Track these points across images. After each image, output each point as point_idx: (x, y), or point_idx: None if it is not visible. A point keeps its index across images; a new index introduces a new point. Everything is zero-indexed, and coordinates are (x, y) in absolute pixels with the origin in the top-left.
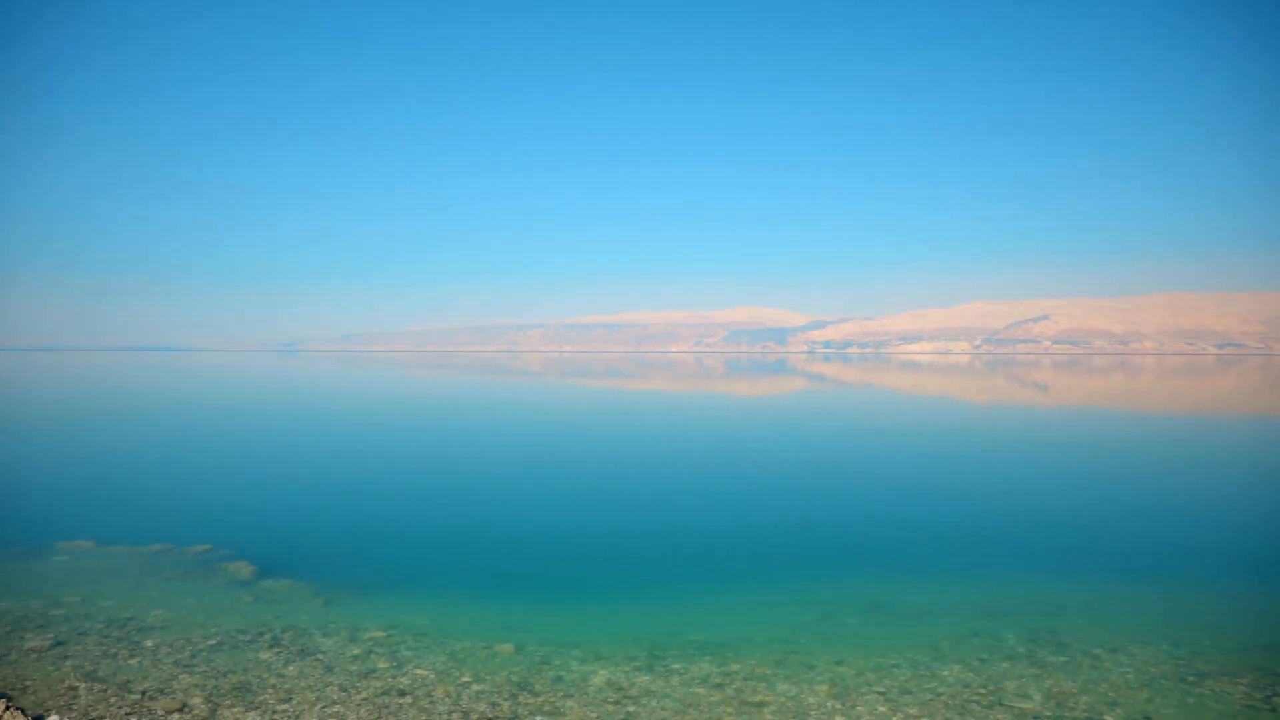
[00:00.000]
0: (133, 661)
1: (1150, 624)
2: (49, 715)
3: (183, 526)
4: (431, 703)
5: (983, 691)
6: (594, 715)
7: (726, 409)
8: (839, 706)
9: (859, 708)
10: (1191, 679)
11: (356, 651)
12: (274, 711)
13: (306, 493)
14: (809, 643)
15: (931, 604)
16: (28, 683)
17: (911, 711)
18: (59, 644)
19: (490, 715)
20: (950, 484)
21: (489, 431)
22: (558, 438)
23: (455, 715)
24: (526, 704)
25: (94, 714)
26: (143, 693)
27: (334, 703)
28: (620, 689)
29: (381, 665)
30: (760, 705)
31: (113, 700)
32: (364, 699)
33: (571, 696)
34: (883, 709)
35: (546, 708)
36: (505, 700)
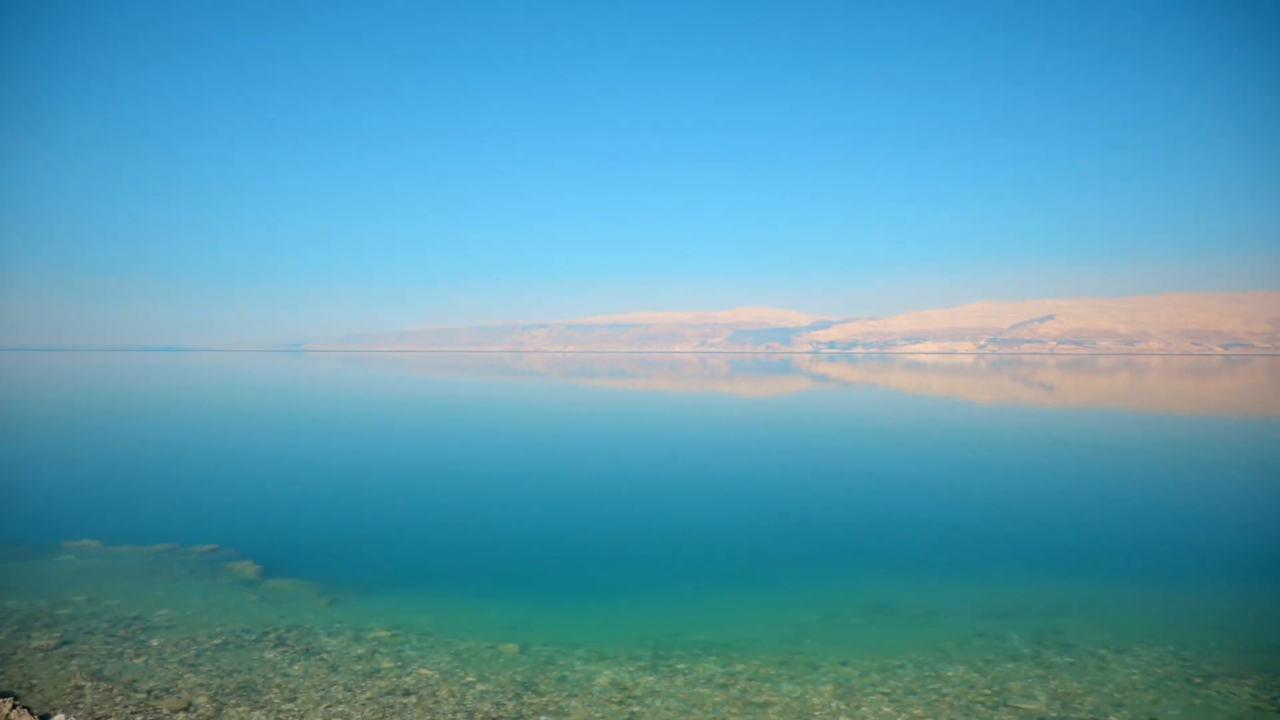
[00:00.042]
0: (138, 661)
1: (1156, 625)
2: (55, 714)
3: (188, 526)
4: (436, 702)
5: (988, 692)
6: (598, 715)
7: (730, 409)
8: (843, 707)
9: (863, 708)
10: (1197, 680)
11: (361, 651)
12: (279, 711)
13: (311, 493)
14: (813, 643)
15: (936, 604)
16: (34, 681)
17: (916, 712)
18: (65, 643)
19: (495, 715)
20: (954, 484)
21: (493, 431)
22: (562, 438)
23: (460, 715)
24: (531, 704)
25: (100, 713)
26: (148, 692)
27: (339, 702)
28: (625, 689)
29: (386, 665)
30: (765, 706)
31: (118, 699)
32: (369, 699)
33: (576, 696)
34: (887, 710)
35: (551, 708)
36: (510, 700)
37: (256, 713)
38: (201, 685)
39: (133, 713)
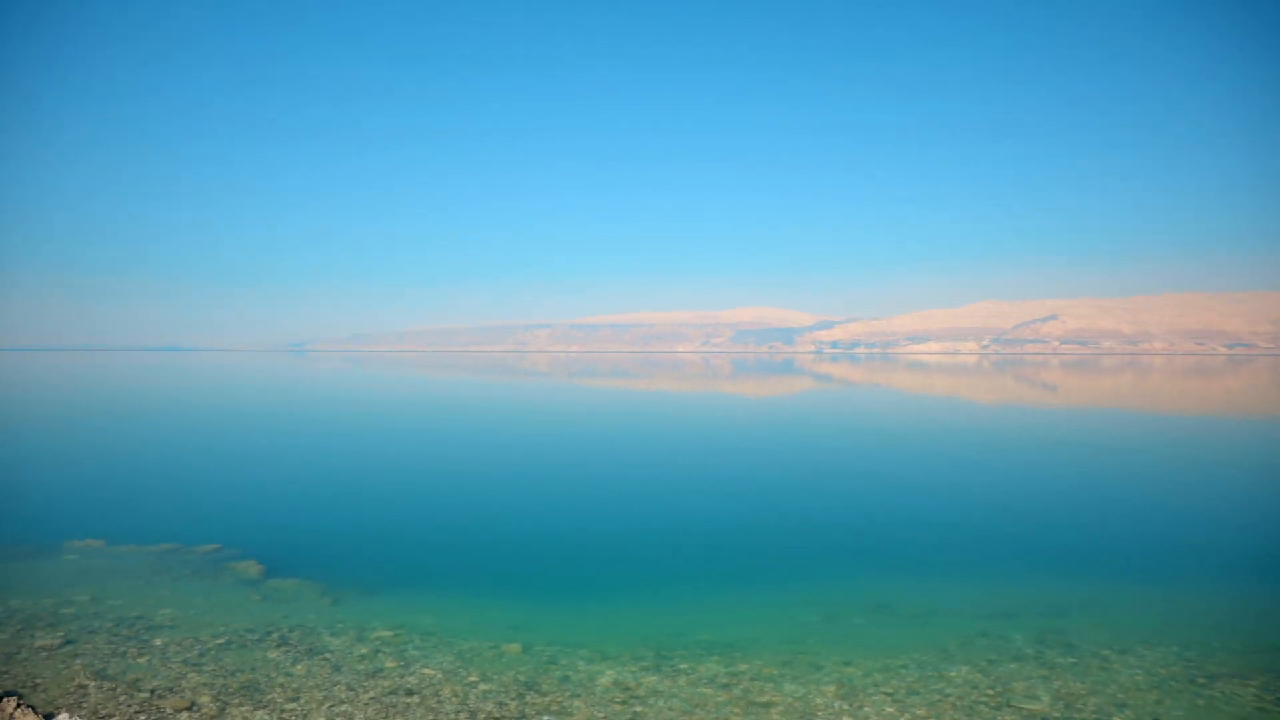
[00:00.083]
0: (142, 660)
1: (1159, 625)
2: (59, 713)
3: (191, 526)
4: (439, 702)
5: (991, 693)
6: (601, 715)
7: (733, 409)
8: (846, 707)
9: (866, 708)
10: (1201, 681)
11: (364, 651)
12: (282, 710)
13: (314, 493)
14: (816, 643)
15: (939, 605)
16: (38, 681)
17: (919, 712)
18: (69, 642)
19: (497, 715)
20: (957, 484)
21: (496, 431)
22: (564, 438)
23: (462, 715)
24: (534, 704)
25: (104, 712)
26: (152, 691)
27: (342, 702)
28: (627, 689)
29: (389, 665)
30: (767, 706)
31: (122, 699)
32: (371, 698)
33: (579, 696)
34: (890, 710)
35: (554, 707)
36: (512, 700)
37: (260, 712)
38: (205, 685)
39: (136, 712)
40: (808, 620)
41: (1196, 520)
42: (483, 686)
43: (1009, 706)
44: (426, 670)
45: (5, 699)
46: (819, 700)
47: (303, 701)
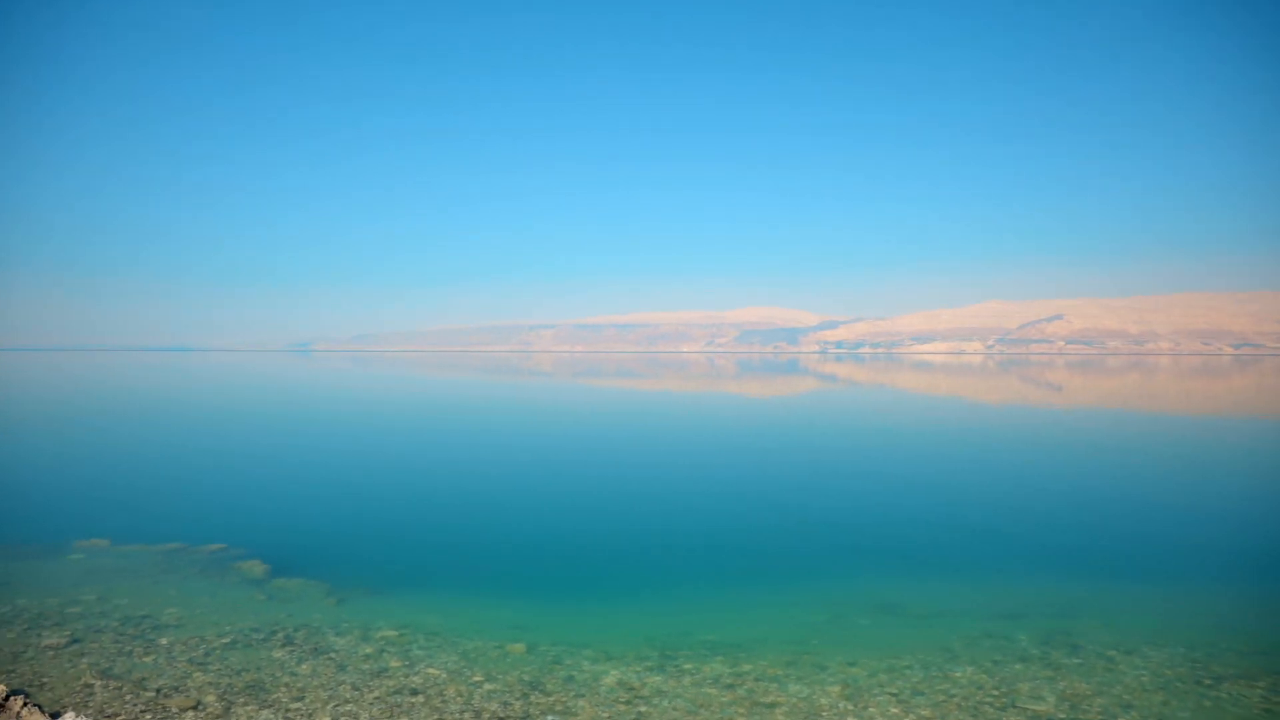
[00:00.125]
0: (148, 659)
1: (1165, 626)
2: (65, 712)
3: (197, 525)
4: (443, 702)
5: (996, 693)
6: (605, 715)
7: (737, 409)
8: (851, 708)
9: (871, 709)
10: (1207, 682)
11: (369, 650)
12: (287, 710)
13: (319, 492)
14: (821, 643)
15: (944, 605)
16: (45, 679)
17: (924, 713)
18: (75, 641)
19: (502, 715)
20: (962, 484)
21: (500, 431)
22: (569, 438)
23: (467, 714)
24: (538, 704)
25: (109, 711)
26: (158, 690)
27: (347, 701)
28: (632, 689)
29: (394, 664)
30: (772, 706)
31: (128, 698)
32: (376, 698)
33: (583, 696)
34: (895, 710)
35: (558, 707)
36: (517, 700)
37: (265, 711)
38: (210, 684)
39: (142, 711)
40: (812, 620)
41: (1202, 520)
42: (487, 686)
43: (1014, 707)
44: (431, 670)
45: (12, 697)
46: (823, 700)
47: (308, 701)
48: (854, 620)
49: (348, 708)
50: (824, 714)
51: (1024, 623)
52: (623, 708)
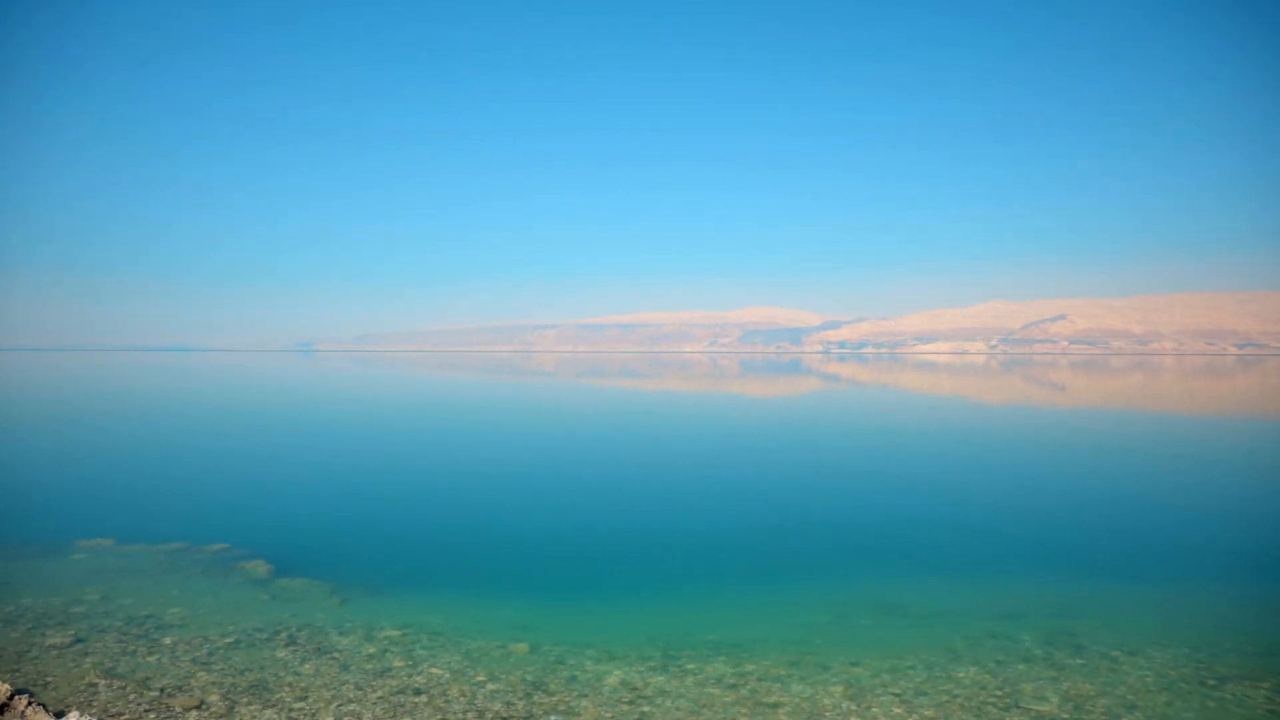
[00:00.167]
0: (151, 659)
1: (1169, 626)
2: (70, 711)
3: (200, 525)
4: (446, 702)
5: (999, 693)
6: (608, 715)
7: (740, 409)
8: (854, 708)
9: (874, 709)
10: (1212, 682)
11: (372, 650)
12: (290, 709)
13: (323, 492)
14: (824, 643)
15: (947, 605)
16: (49, 679)
17: (927, 713)
18: (79, 641)
19: (505, 715)
20: (965, 484)
21: (504, 431)
22: (572, 438)
23: (470, 714)
24: (541, 703)
25: (114, 710)
26: (161, 690)
27: (350, 701)
28: (635, 689)
29: (397, 664)
30: (775, 706)
31: (132, 697)
32: (379, 697)
33: (586, 696)
34: (898, 711)
35: (561, 707)
36: (520, 700)
37: (268, 711)
38: (214, 683)
39: (146, 710)
40: (815, 620)
41: (1206, 520)
42: (490, 686)
43: (1017, 708)
44: (434, 670)
45: (16, 696)
46: (826, 701)
47: (311, 700)
48: (857, 620)
49: (351, 707)
50: (827, 714)
51: (1027, 623)
52: (626, 708)
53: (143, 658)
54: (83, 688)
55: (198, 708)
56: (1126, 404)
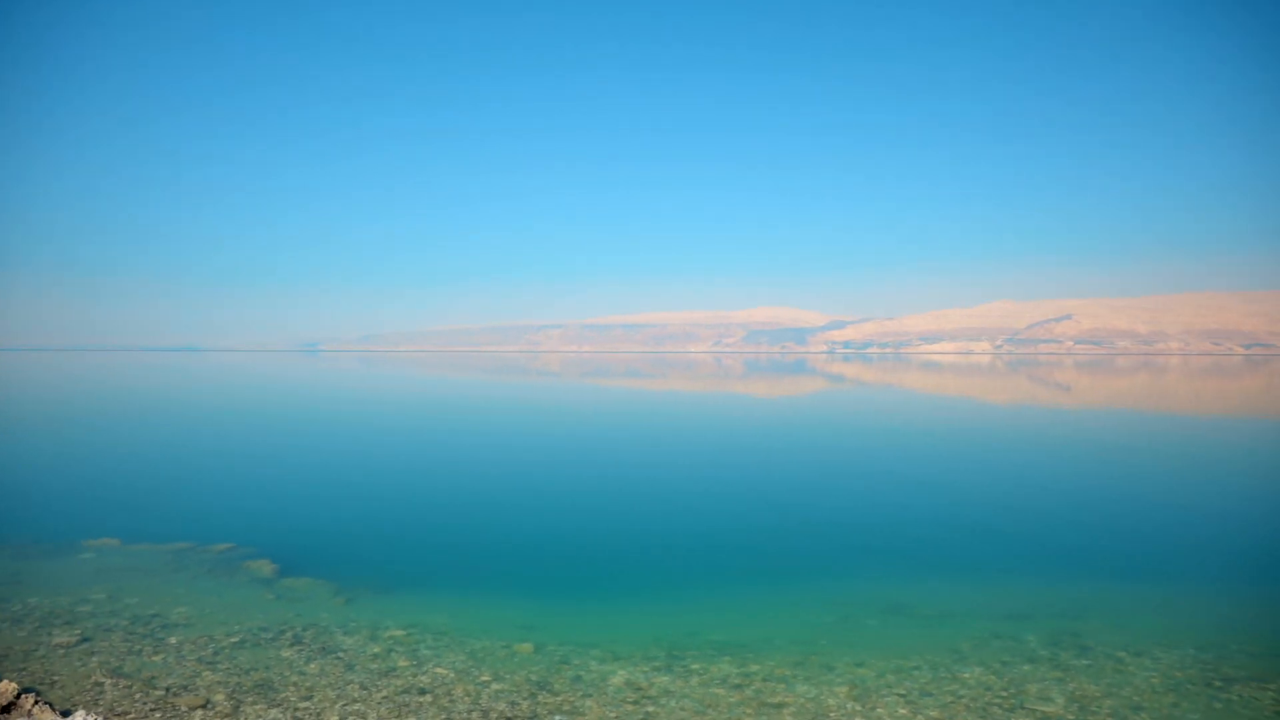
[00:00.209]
0: (157, 658)
1: (1175, 627)
2: (76, 710)
3: (206, 525)
4: (451, 701)
5: (1004, 694)
6: (613, 715)
7: (745, 409)
8: (859, 708)
9: (879, 710)
10: (1218, 684)
11: (377, 650)
12: (295, 709)
13: (327, 492)
14: (829, 644)
15: (952, 606)
16: (55, 678)
17: (932, 714)
18: (86, 640)
19: (509, 714)
20: (970, 484)
21: (509, 431)
22: (578, 438)
23: (475, 714)
24: (546, 703)
25: (119, 709)
26: (167, 689)
27: (355, 700)
28: (639, 689)
29: (402, 664)
30: (780, 706)
31: (138, 696)
32: (384, 697)
33: (590, 696)
34: (903, 711)
35: (566, 707)
36: (524, 699)
37: (273, 710)
38: (219, 683)
39: (151, 709)
40: (820, 621)
41: (1212, 521)
42: (495, 686)
43: (1022, 709)
44: (439, 669)
45: (23, 695)
46: (831, 701)
47: (316, 700)
48: (862, 621)
49: (356, 707)
50: (832, 714)
51: (1032, 624)
52: (630, 708)
53: (148, 657)
54: (89, 687)
55: (203, 707)
56: (1132, 404)
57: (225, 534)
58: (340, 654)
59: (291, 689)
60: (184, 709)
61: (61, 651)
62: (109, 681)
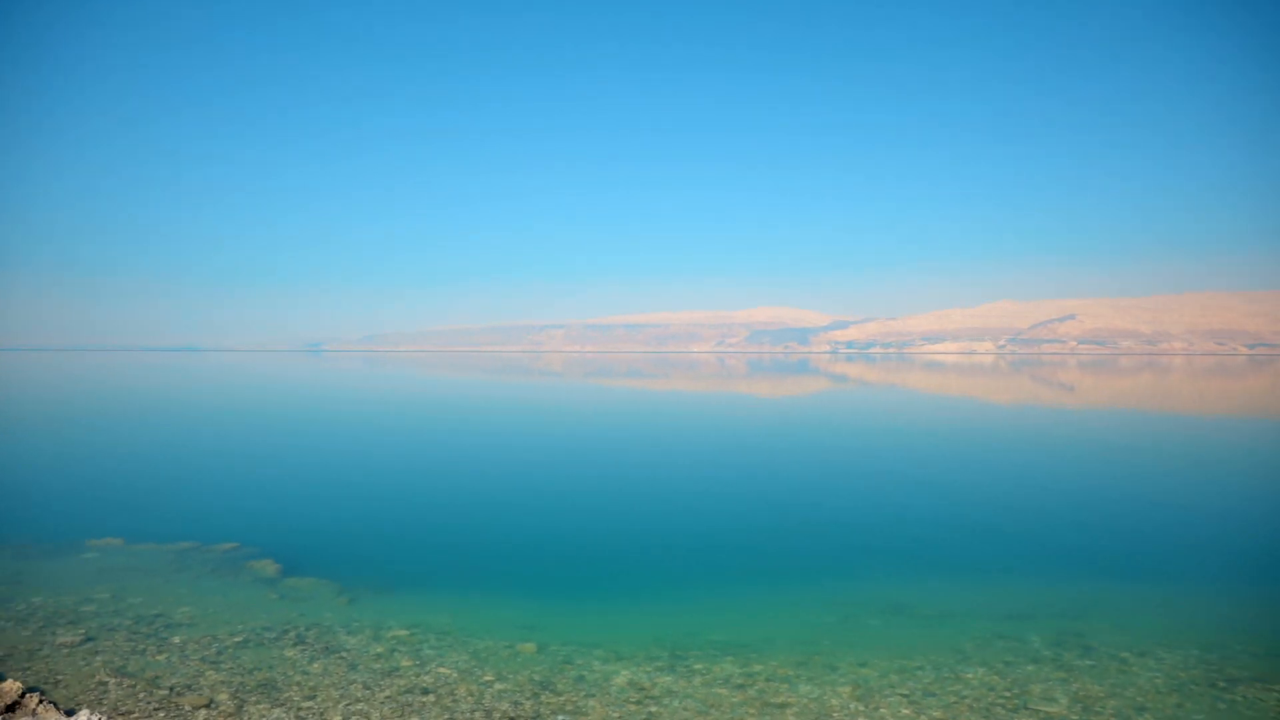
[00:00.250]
0: (161, 658)
1: (1180, 627)
2: (80, 709)
3: (209, 524)
4: (454, 701)
5: (1007, 695)
6: (616, 715)
7: (748, 409)
8: (862, 708)
9: (882, 710)
10: (1223, 684)
11: (380, 650)
12: (299, 708)
13: (331, 492)
14: (832, 644)
15: (955, 606)
16: (60, 677)
17: (935, 714)
18: (90, 639)
19: (513, 714)
20: (974, 484)
21: (511, 431)
22: (580, 438)
23: (478, 714)
24: (549, 703)
25: (123, 709)
26: (171, 688)
27: (358, 700)
28: (642, 689)
29: (405, 663)
30: (783, 707)
31: (141, 696)
32: (387, 697)
33: (594, 696)
34: (906, 711)
35: (569, 707)
36: (528, 699)
37: (277, 710)
38: (223, 682)
39: (155, 709)
40: (823, 621)
41: (1217, 521)
42: (498, 686)
43: (1026, 709)
44: (442, 669)
45: (28, 695)
46: (834, 701)
47: (319, 700)
48: (865, 621)
49: (359, 706)
50: (835, 715)
51: (1036, 624)
52: (633, 708)
53: (152, 656)
54: (93, 686)
55: (207, 706)
56: (1135, 404)
57: (228, 534)
58: (343, 654)
59: (295, 689)
60: (188, 708)
61: (65, 651)
62: (113, 681)
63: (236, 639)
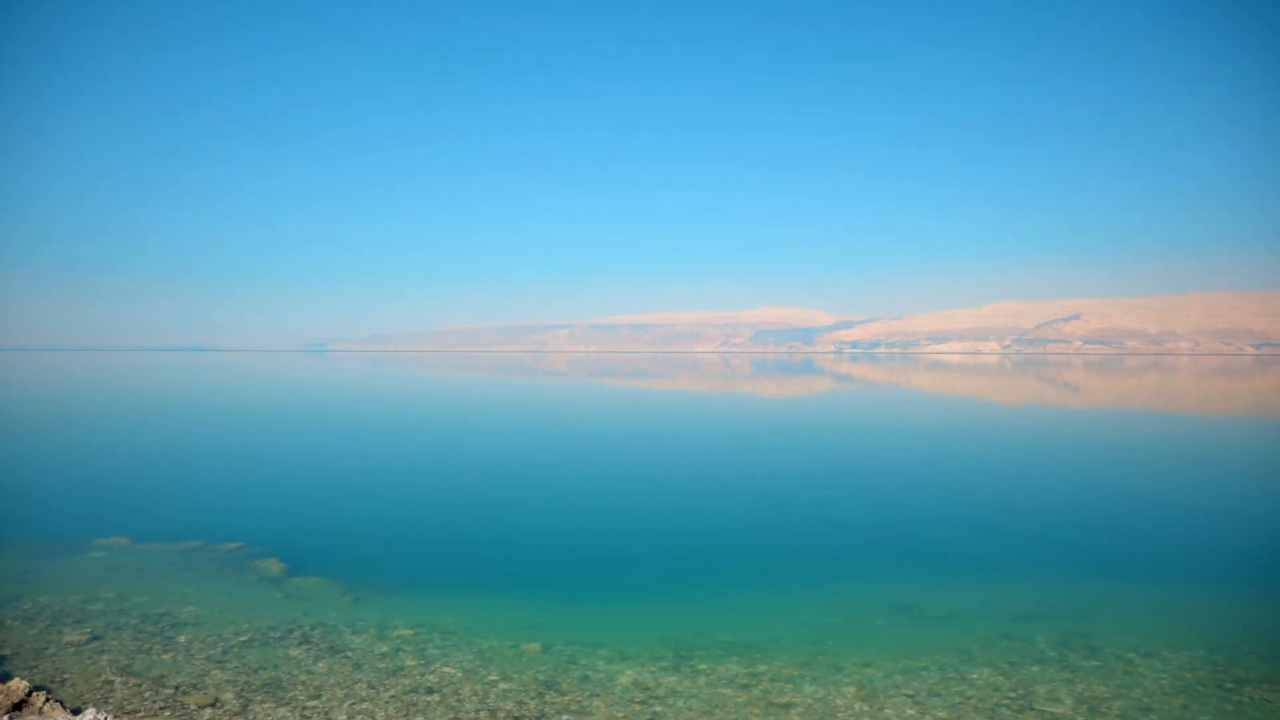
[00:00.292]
0: (166, 657)
1: (1185, 628)
2: (86, 708)
3: (215, 524)
4: (459, 700)
5: (1013, 695)
6: (620, 715)
7: (753, 409)
8: (867, 709)
9: (887, 710)
10: (1229, 685)
11: (385, 649)
12: (304, 708)
13: (336, 492)
14: (836, 644)
15: (960, 606)
16: (66, 676)
17: (940, 714)
18: (96, 638)
19: (517, 714)
20: (978, 484)
21: (516, 432)
22: (585, 438)
23: (482, 713)
24: (553, 703)
25: (129, 707)
26: (176, 687)
27: (363, 700)
28: (647, 689)
29: (409, 663)
30: (787, 707)
31: (147, 694)
32: (392, 696)
33: (598, 696)
34: (911, 712)
35: (573, 707)
36: (532, 699)
37: (282, 709)
38: (228, 682)
39: (161, 708)
40: (828, 621)
41: (1223, 522)
42: (502, 685)
43: (1031, 709)
44: (447, 669)
45: (34, 693)
46: (839, 701)
47: (324, 699)
48: (870, 621)
49: (364, 706)
50: (839, 715)
51: (1041, 624)
52: (638, 707)
53: (158, 655)
54: (99, 685)
55: (212, 705)
56: (1141, 405)
57: (234, 533)
58: (348, 653)
59: (300, 688)
60: (193, 707)
61: (72, 650)
62: (119, 680)
63: (242, 638)
